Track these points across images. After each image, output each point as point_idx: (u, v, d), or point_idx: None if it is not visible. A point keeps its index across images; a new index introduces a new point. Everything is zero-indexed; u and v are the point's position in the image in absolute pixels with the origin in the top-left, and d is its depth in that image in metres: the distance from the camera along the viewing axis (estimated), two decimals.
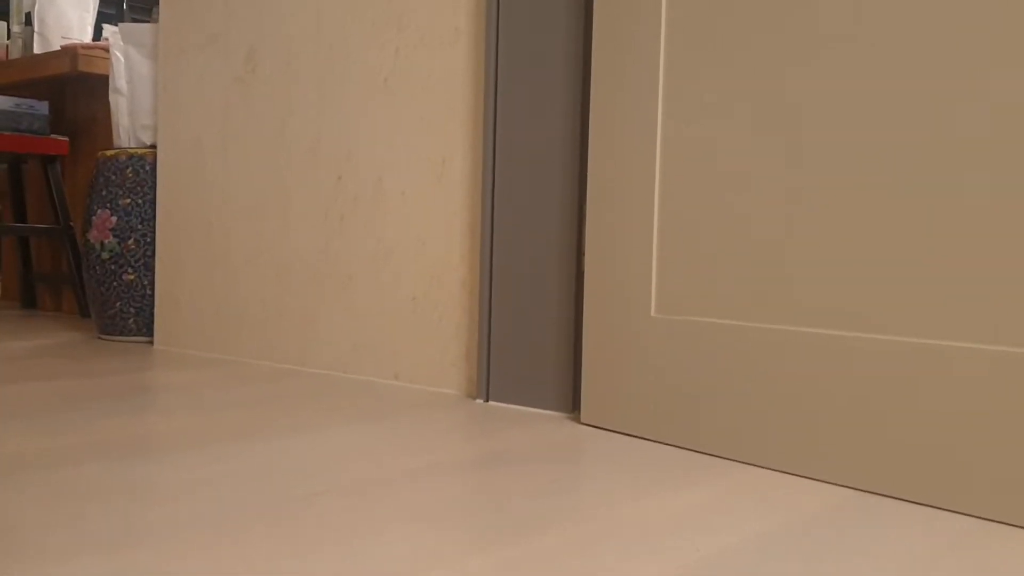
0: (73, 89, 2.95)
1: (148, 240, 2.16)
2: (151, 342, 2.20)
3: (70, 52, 2.60)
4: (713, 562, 0.75)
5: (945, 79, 0.92)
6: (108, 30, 2.99)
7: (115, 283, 2.18)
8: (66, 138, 2.77)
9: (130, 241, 2.15)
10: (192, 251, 2.03)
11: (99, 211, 2.18)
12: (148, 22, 2.94)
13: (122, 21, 2.88)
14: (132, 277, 2.17)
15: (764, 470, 1.06)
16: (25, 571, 0.66)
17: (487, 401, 1.45)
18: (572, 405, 1.37)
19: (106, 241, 2.16)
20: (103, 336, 2.26)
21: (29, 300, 3.16)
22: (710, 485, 0.99)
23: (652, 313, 1.19)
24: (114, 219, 2.15)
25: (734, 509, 0.90)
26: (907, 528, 0.85)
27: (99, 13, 3.37)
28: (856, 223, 0.99)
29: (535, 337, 1.40)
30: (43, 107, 2.70)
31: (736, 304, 1.10)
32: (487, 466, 1.00)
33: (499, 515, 0.81)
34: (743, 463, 1.09)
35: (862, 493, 0.97)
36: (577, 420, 1.32)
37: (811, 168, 1.02)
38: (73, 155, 2.96)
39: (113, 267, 2.17)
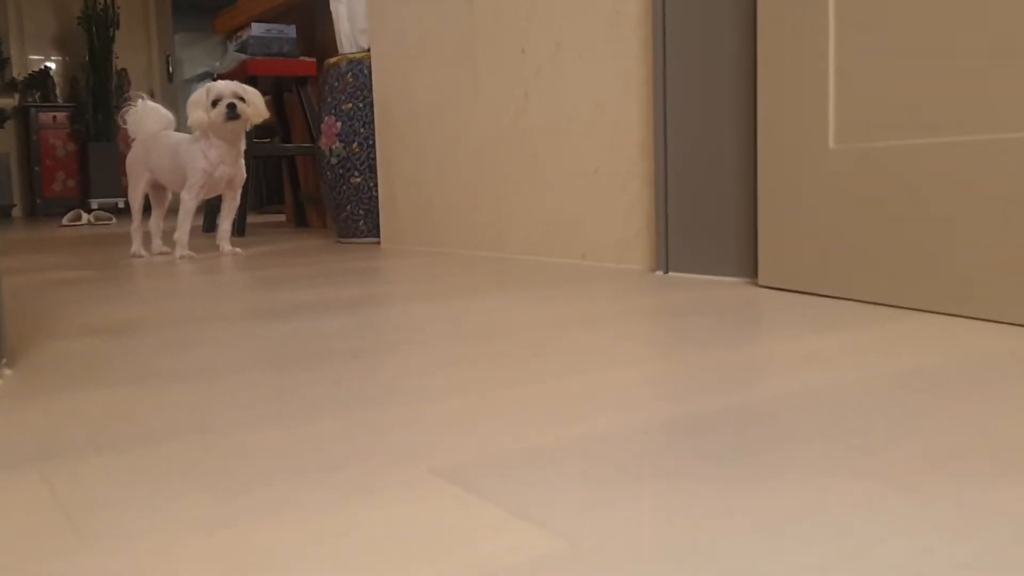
0: (322, 11, 3.09)
1: (371, 143, 2.22)
2: (379, 242, 2.28)
3: None
4: (838, 388, 0.62)
5: None
6: None
7: (344, 187, 2.26)
8: (313, 59, 2.91)
9: (354, 144, 2.22)
10: (402, 148, 2.06)
11: (326, 118, 2.26)
12: None
13: None
14: (359, 180, 2.24)
15: (949, 317, 0.88)
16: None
17: (667, 273, 1.34)
18: (752, 271, 1.23)
19: (334, 147, 2.25)
20: (341, 240, 2.36)
21: (300, 219, 3.37)
22: (873, 329, 0.84)
23: (830, 145, 1.03)
24: (339, 124, 2.23)
25: (887, 348, 0.75)
26: None
27: None
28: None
29: (713, 202, 1.26)
30: (291, 31, 2.85)
31: (913, 124, 0.92)
32: (668, 314, 1.00)
33: (678, 338, 0.86)
34: (924, 311, 0.91)
35: None
36: (756, 284, 1.19)
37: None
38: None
39: (341, 171, 2.25)
